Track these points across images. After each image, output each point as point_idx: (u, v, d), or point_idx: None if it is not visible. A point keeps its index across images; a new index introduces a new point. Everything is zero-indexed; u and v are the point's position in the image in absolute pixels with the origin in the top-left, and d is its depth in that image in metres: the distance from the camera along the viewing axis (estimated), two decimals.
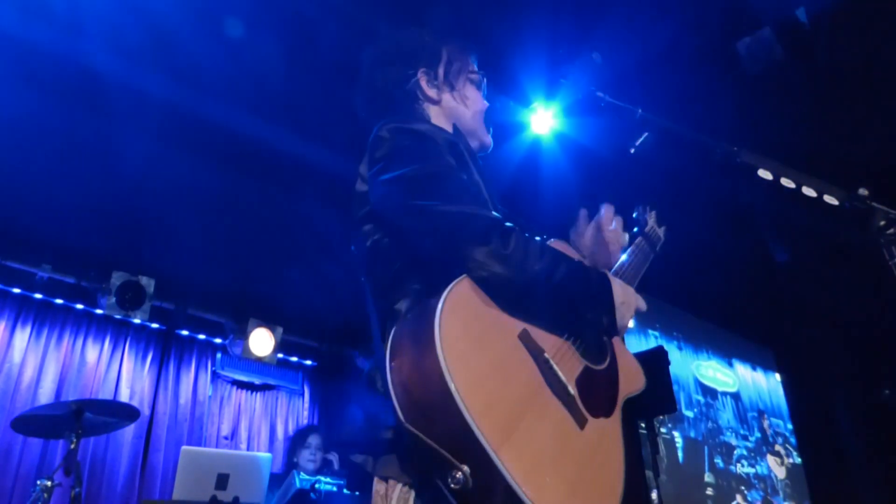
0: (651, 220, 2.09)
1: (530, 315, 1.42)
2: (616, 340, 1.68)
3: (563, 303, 1.47)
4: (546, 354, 1.40)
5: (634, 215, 2.08)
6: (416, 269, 1.50)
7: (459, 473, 1.14)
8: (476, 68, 2.02)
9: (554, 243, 1.76)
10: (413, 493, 1.32)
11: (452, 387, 1.16)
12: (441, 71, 1.93)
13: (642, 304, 1.69)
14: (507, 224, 1.47)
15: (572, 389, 1.38)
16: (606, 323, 1.53)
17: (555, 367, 1.39)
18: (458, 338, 1.25)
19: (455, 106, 1.91)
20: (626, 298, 1.60)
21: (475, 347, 1.28)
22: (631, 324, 1.66)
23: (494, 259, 1.38)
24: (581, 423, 1.36)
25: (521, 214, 2.06)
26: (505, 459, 1.14)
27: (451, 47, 1.97)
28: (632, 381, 1.64)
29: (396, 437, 1.29)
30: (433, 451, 1.18)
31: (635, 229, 2.02)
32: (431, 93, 1.90)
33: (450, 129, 1.85)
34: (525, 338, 1.39)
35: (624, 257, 1.87)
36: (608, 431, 1.43)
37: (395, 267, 1.56)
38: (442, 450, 1.17)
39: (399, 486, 1.34)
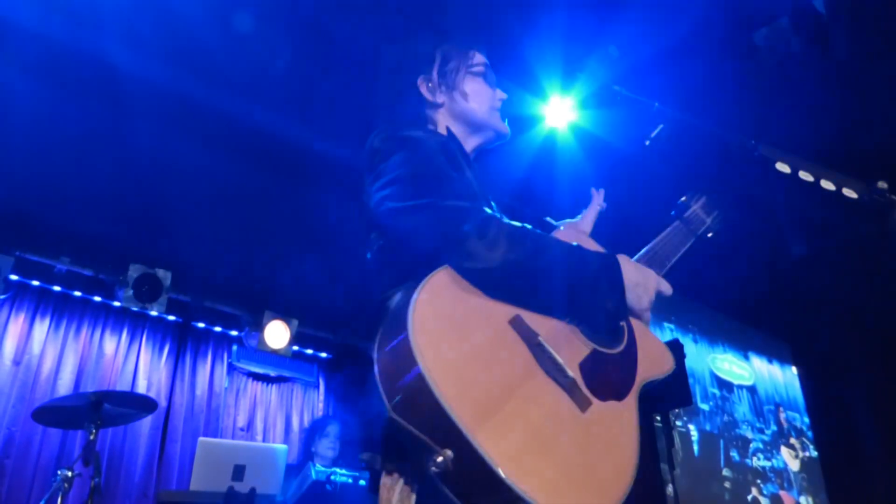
0: (696, 205, 2.08)
1: (521, 301, 1.43)
2: (637, 324, 1.64)
3: (552, 287, 1.46)
4: (540, 338, 1.38)
5: (681, 200, 2.09)
6: (412, 268, 1.49)
7: (441, 458, 1.15)
8: (480, 60, 2.00)
9: (566, 229, 1.77)
10: (414, 496, 1.33)
11: (425, 373, 1.18)
12: (435, 74, 1.94)
13: (665, 287, 1.68)
14: (489, 213, 1.49)
15: (571, 372, 1.36)
16: (612, 306, 1.51)
17: (550, 350, 1.37)
18: (433, 324, 1.27)
19: (459, 104, 1.92)
20: (641, 280, 1.60)
21: (452, 333, 1.29)
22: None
23: (473, 248, 1.41)
24: (583, 406, 1.34)
25: (536, 206, 2.07)
26: (482, 441, 1.14)
27: (445, 48, 1.99)
28: (654, 364, 1.60)
29: (391, 429, 1.29)
30: (416, 438, 1.19)
31: (673, 213, 2.04)
32: (431, 97, 1.92)
33: (456, 129, 1.90)
34: (517, 323, 1.39)
35: (654, 241, 1.88)
36: (619, 415, 1.40)
37: (395, 269, 1.58)
38: (423, 436, 1.19)
39: (401, 482, 1.36)
